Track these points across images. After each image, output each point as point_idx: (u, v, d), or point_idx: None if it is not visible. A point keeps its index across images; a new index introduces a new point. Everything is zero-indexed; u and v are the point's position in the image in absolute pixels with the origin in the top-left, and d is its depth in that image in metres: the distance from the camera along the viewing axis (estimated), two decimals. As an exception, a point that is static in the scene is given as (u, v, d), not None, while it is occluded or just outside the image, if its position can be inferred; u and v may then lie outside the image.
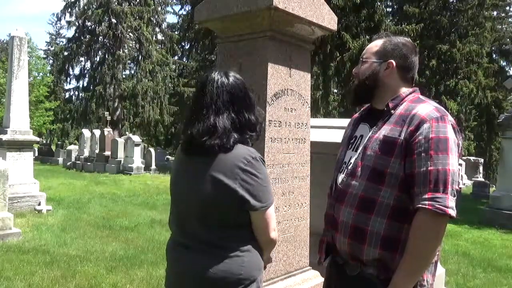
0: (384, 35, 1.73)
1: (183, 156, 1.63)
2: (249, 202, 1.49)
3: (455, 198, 1.45)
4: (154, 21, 29.48)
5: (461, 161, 19.21)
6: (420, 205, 1.43)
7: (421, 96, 1.65)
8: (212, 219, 1.53)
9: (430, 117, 1.49)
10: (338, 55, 18.40)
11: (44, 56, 36.24)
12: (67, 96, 32.92)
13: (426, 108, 1.54)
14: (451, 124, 1.51)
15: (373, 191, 1.54)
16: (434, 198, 1.41)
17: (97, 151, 18.40)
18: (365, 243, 1.54)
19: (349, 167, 1.65)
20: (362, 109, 1.83)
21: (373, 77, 1.67)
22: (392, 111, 1.60)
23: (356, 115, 1.85)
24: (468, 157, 22.19)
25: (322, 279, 2.77)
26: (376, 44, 1.71)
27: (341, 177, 1.68)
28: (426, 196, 1.43)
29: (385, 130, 1.56)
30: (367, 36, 17.65)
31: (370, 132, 1.64)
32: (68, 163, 18.90)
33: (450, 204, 1.42)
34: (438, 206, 1.40)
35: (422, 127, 1.48)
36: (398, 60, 1.65)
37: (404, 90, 1.66)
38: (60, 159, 20.98)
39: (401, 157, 1.50)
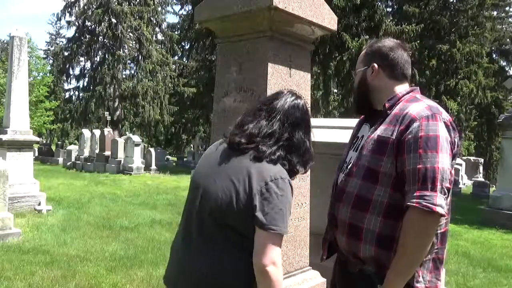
0: (369, 44, 1.81)
1: (226, 149, 1.59)
2: (257, 217, 1.42)
3: (446, 196, 1.45)
4: (154, 21, 29.47)
5: (461, 161, 19.23)
6: (408, 203, 1.45)
7: (417, 96, 1.66)
8: (228, 219, 1.49)
9: (420, 116, 1.51)
10: (337, 55, 18.41)
11: (44, 56, 36.20)
12: (67, 96, 32.86)
13: (418, 107, 1.56)
14: (444, 122, 1.52)
15: (367, 190, 1.57)
16: (422, 196, 1.43)
17: (97, 151, 18.39)
18: (361, 240, 1.57)
19: (348, 167, 1.69)
20: None
21: (363, 83, 1.75)
22: (389, 111, 1.63)
23: (362, 116, 1.90)
24: (468, 157, 22.21)
25: (322, 279, 2.78)
26: (360, 55, 1.81)
27: (341, 176, 1.72)
28: (415, 194, 1.44)
29: (380, 130, 1.60)
30: (366, 36, 17.67)
31: (369, 132, 1.68)
32: (68, 163, 18.89)
33: (439, 201, 1.42)
34: (425, 203, 1.41)
35: (412, 126, 1.50)
36: (379, 61, 1.71)
37: (400, 89, 1.69)
38: (60, 159, 20.98)
39: (393, 156, 1.52)
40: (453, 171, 1.55)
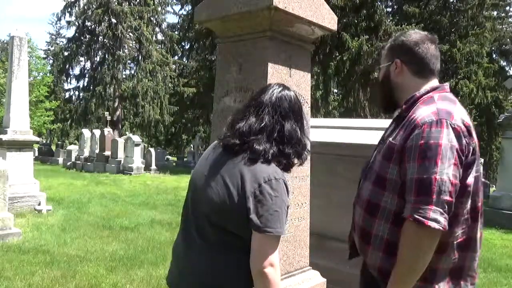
0: (394, 37, 1.71)
1: (222, 152, 1.57)
2: (251, 219, 1.40)
3: (444, 209, 1.35)
4: (154, 21, 29.51)
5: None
6: (403, 215, 1.41)
7: (435, 96, 1.54)
8: (222, 221, 1.49)
9: (423, 122, 1.42)
10: (338, 54, 18.41)
11: (44, 56, 36.26)
12: (67, 96, 32.91)
13: (426, 111, 1.46)
14: (454, 128, 1.40)
15: (377, 196, 1.54)
16: (417, 208, 1.36)
17: (97, 151, 18.40)
18: (369, 245, 1.56)
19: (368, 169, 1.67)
20: None
21: (386, 80, 1.67)
22: (405, 113, 1.55)
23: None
24: (468, 157, 22.12)
25: (322, 279, 2.78)
26: (385, 49, 1.71)
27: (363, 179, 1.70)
28: (410, 206, 1.39)
29: (392, 135, 1.55)
30: (366, 36, 17.65)
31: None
32: (68, 163, 18.90)
33: (433, 215, 1.33)
34: (417, 217, 1.35)
35: (414, 133, 1.42)
36: (403, 57, 1.61)
37: (422, 89, 1.58)
38: (60, 159, 20.98)
39: (397, 163, 1.47)
40: (472, 180, 1.44)
